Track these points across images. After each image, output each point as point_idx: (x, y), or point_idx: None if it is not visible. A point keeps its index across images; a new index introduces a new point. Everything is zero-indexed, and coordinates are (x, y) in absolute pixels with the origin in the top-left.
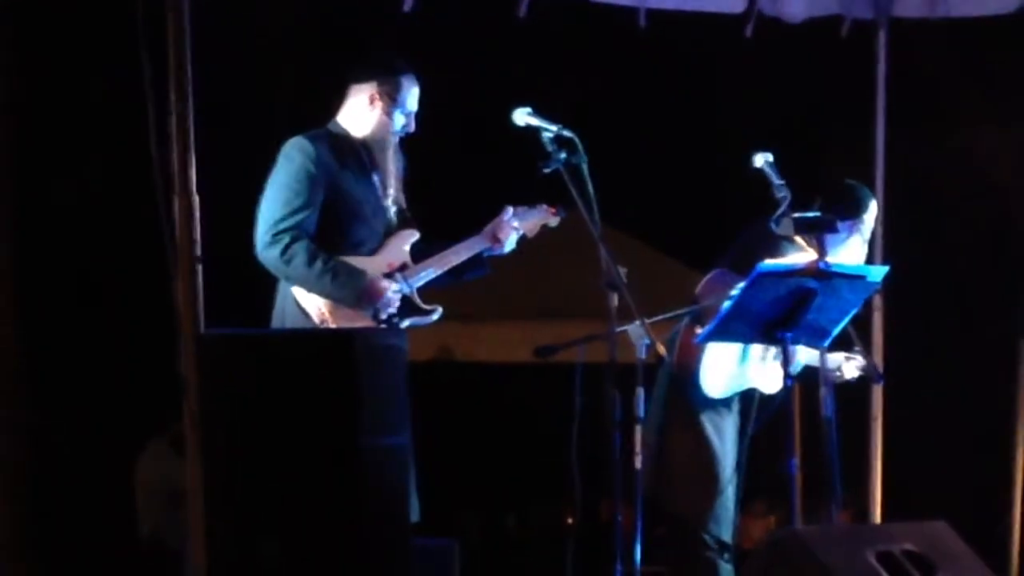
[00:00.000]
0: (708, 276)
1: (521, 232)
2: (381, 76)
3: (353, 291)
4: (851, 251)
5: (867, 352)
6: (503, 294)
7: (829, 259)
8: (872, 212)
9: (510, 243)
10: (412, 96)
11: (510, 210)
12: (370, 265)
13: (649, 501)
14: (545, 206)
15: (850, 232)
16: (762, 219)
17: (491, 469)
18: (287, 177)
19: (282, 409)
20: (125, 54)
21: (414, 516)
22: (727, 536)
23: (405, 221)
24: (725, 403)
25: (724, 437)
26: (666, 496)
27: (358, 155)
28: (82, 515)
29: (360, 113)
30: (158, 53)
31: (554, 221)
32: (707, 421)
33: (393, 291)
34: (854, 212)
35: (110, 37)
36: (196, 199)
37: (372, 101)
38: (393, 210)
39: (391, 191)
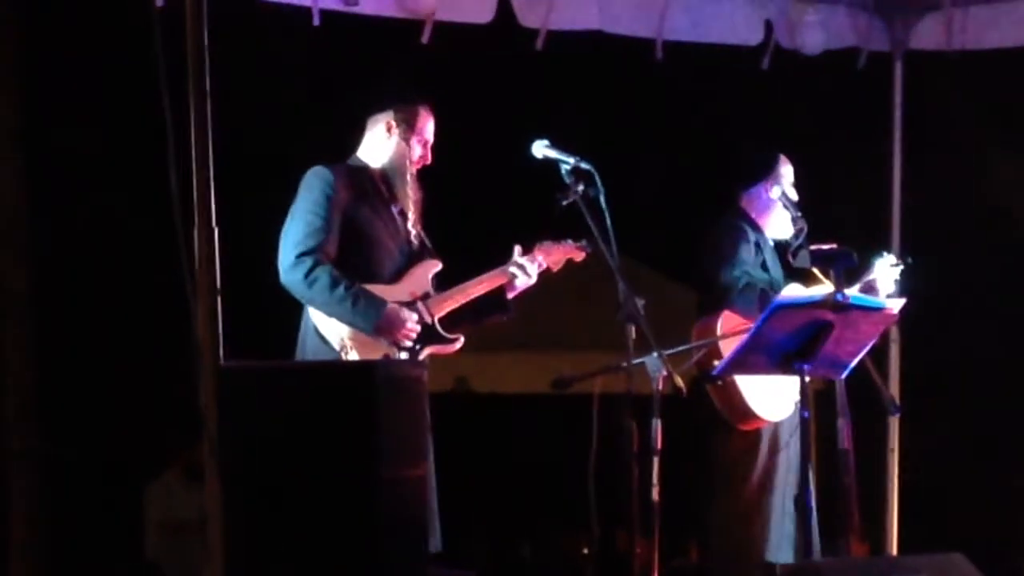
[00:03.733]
0: (695, 327)
1: (545, 266)
2: (397, 104)
3: (372, 320)
4: (779, 215)
5: (884, 384)
6: (521, 325)
7: (766, 231)
8: (783, 170)
9: (522, 280)
10: (429, 125)
11: (518, 248)
12: (392, 293)
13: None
14: (571, 241)
15: (770, 192)
16: (709, 230)
17: (508, 499)
18: (307, 203)
19: (301, 440)
20: (145, 86)
21: (436, 546)
22: (786, 556)
23: (428, 252)
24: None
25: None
26: (724, 538)
27: (377, 185)
28: (98, 544)
29: (378, 143)
30: (178, 85)
31: (580, 256)
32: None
33: (413, 322)
34: (768, 169)
35: (130, 68)
36: (216, 231)
37: (389, 130)
38: (415, 239)
39: (412, 219)
